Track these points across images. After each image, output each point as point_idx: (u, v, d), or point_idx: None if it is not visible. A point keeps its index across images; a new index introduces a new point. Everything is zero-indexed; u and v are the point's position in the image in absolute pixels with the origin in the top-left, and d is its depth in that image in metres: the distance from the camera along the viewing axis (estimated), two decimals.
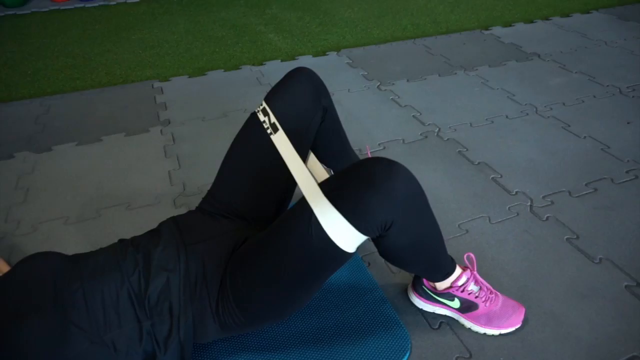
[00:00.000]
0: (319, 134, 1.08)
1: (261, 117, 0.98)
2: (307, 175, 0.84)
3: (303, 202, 0.76)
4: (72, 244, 1.26)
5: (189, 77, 2.24)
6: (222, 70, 2.31)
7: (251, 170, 0.99)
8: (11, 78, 2.25)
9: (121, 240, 0.91)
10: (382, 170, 0.71)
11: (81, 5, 3.34)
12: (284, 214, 0.82)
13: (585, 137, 1.68)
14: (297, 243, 0.75)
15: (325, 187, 0.74)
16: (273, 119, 0.96)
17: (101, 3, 3.38)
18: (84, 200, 1.42)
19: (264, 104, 0.99)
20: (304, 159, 1.04)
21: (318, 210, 0.72)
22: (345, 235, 0.72)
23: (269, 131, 0.96)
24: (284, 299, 0.81)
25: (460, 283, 0.96)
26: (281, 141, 0.95)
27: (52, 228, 1.32)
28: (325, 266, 0.78)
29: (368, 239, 0.76)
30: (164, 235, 0.88)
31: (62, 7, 3.29)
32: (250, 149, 0.99)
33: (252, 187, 0.98)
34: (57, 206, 1.40)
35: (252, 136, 1.00)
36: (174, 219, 0.95)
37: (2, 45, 2.64)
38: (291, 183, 1.01)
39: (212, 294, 0.81)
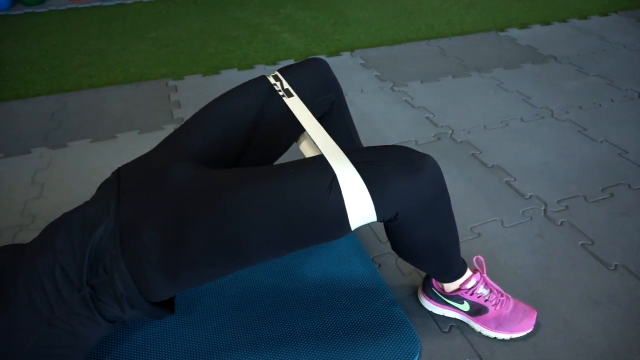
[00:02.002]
0: (326, 128, 1.05)
1: (272, 80, 0.96)
2: (328, 139, 0.81)
3: (323, 163, 0.72)
4: None
5: (204, 76, 2.25)
6: (236, 69, 2.32)
7: (240, 125, 0.91)
8: (29, 75, 2.28)
9: (64, 214, 0.82)
10: (419, 158, 0.73)
11: (98, 4, 3.38)
12: (295, 163, 0.74)
13: (602, 141, 1.65)
14: (306, 198, 0.70)
15: (351, 156, 0.72)
16: (287, 85, 0.95)
17: (118, 2, 3.42)
18: None
19: (277, 73, 0.98)
20: (296, 140, 1.01)
21: (342, 174, 0.70)
22: (360, 208, 0.70)
23: (281, 94, 0.94)
24: (253, 245, 0.72)
25: (469, 286, 0.95)
26: (297, 105, 0.93)
27: None
28: (318, 232, 0.72)
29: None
30: (102, 189, 0.81)
31: (80, 6, 3.33)
32: (248, 103, 0.93)
33: (230, 142, 0.90)
34: (72, 202, 1.42)
35: (254, 92, 0.94)
36: (117, 170, 0.86)
37: (20, 43, 2.68)
38: (272, 159, 0.99)
39: (150, 239, 0.71)
